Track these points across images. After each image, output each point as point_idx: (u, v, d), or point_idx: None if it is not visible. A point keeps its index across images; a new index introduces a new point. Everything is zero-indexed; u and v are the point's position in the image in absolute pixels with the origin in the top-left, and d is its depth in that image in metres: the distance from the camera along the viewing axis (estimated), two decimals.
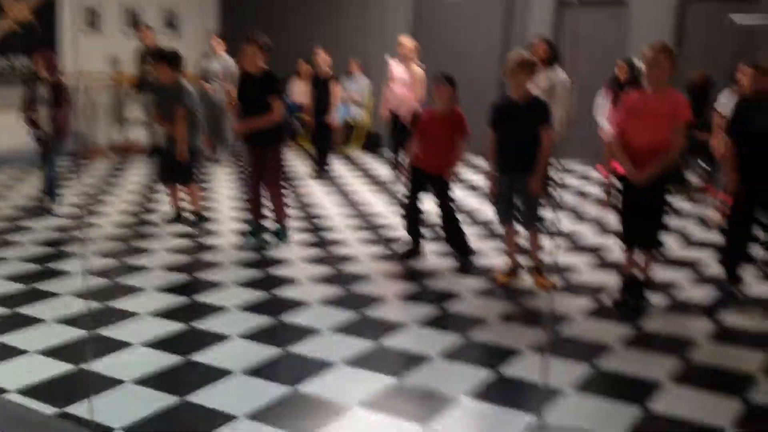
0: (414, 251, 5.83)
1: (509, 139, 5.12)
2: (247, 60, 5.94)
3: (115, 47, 11.28)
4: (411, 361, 3.97)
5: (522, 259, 5.40)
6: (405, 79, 8.39)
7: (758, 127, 4.48)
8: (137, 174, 9.28)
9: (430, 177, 5.68)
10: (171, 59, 6.49)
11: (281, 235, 6.17)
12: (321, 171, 9.15)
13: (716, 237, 6.43)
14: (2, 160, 9.32)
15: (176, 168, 6.59)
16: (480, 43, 10.57)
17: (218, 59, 9.87)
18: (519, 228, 5.28)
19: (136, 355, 4.03)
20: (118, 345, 4.13)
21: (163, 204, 7.46)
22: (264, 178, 6.06)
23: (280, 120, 5.95)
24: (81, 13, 11.03)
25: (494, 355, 4.05)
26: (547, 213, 5.51)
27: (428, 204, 5.86)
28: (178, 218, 6.80)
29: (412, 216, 5.80)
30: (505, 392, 3.64)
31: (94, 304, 4.75)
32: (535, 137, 5.05)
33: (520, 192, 5.13)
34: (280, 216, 6.16)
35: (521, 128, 5.08)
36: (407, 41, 8.47)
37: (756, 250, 5.09)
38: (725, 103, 7.28)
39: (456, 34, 10.80)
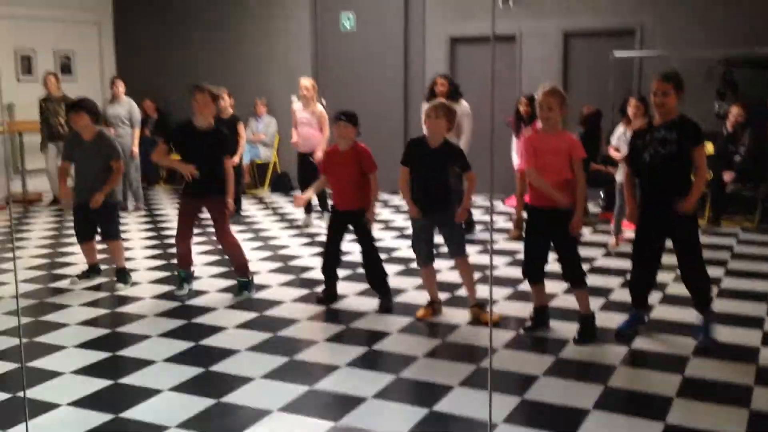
0: (330, 293, 5.87)
1: (426, 181, 5.29)
2: (199, 109, 5.78)
3: (8, 94, 10.94)
4: (346, 403, 4.05)
5: (449, 295, 5.58)
6: (309, 119, 8.53)
7: (646, 158, 4.82)
8: (41, 226, 8.98)
9: (346, 215, 5.75)
10: (90, 109, 6.13)
11: (248, 287, 6.06)
12: (236, 214, 9.10)
13: (619, 263, 6.84)
14: None
15: (99, 223, 6.30)
16: (381, 76, 10.87)
17: (121, 103, 9.74)
18: (441, 262, 5.45)
19: (63, 413, 3.93)
20: (41, 406, 4.02)
21: (75, 256, 7.28)
22: (217, 232, 6.02)
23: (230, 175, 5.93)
24: None
25: (427, 393, 4.18)
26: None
27: (350, 244, 5.96)
28: (94, 273, 6.54)
29: (330, 257, 5.87)
30: (441, 429, 3.77)
31: (10, 366, 4.60)
32: (445, 180, 5.27)
33: (444, 225, 5.33)
34: (243, 267, 6.06)
35: (437, 171, 5.25)
36: (305, 81, 8.62)
37: (660, 276, 5.44)
38: (619, 135, 7.80)
39: (357, 68, 11.06)
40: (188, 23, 12.10)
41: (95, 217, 6.26)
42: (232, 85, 11.48)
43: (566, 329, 5.12)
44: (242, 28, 11.74)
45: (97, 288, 6.28)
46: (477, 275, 6.31)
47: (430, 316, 5.43)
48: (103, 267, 6.70)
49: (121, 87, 9.82)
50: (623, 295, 5.58)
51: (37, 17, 11.41)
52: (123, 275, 6.35)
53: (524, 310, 5.48)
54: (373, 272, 5.78)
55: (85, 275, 6.49)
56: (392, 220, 9.05)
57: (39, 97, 9.88)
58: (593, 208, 9.25)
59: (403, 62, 10.84)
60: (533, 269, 5.09)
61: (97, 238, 6.44)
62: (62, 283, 6.42)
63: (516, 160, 8.08)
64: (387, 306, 5.66)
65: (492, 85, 9.83)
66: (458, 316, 5.43)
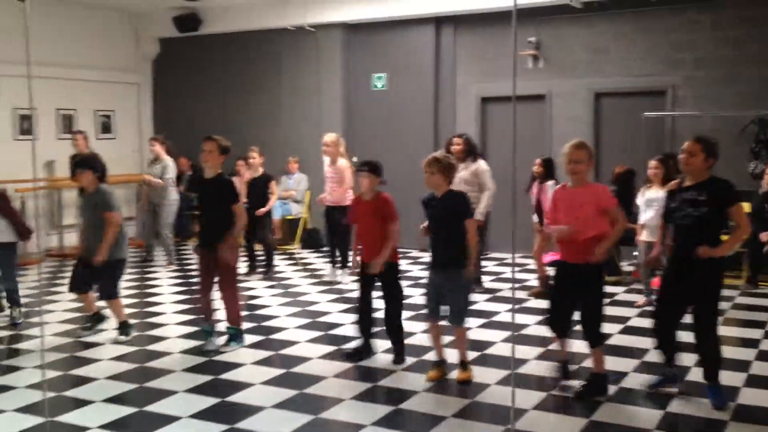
0: (364, 350, 5.84)
1: (437, 232, 5.30)
2: (204, 157, 5.95)
3: (50, 153, 11.24)
4: None
5: (478, 354, 5.51)
6: (333, 174, 8.62)
7: (677, 218, 4.80)
8: None
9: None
10: (93, 165, 6.36)
11: (237, 337, 6.13)
12: (267, 269, 9.16)
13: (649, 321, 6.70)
14: None
15: (98, 280, 6.39)
16: (411, 134, 10.96)
17: (162, 162, 9.90)
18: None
19: None
20: None
21: (106, 310, 7.37)
22: (219, 281, 6.05)
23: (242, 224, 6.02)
24: (15, 120, 11.00)
25: None
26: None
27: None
28: (96, 321, 6.58)
29: (362, 314, 5.84)
30: None
31: (36, 420, 4.61)
32: (456, 231, 5.20)
33: (450, 290, 5.24)
34: (235, 318, 6.13)
35: (447, 219, 5.24)
36: (327, 137, 8.73)
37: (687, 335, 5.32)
38: (639, 197, 7.72)
39: (388, 126, 11.18)
40: (223, 84, 12.39)
41: (96, 273, 6.32)
42: (265, 143, 11.69)
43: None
44: (276, 89, 11.99)
45: (127, 342, 6.31)
46: (506, 333, 6.25)
47: (439, 377, 5.30)
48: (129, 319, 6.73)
49: (156, 146, 10.01)
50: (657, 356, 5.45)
51: (79, 78, 11.79)
52: (125, 328, 6.42)
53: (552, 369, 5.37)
54: (393, 326, 5.73)
55: (88, 327, 6.57)
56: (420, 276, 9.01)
57: (70, 155, 10.09)
58: (627, 267, 9.13)
59: (433, 120, 10.95)
60: (562, 323, 5.05)
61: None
62: (94, 337, 6.45)
63: (535, 218, 8.06)
64: (397, 360, 5.65)
65: (514, 144, 9.83)
66: (488, 375, 5.34)
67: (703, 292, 4.70)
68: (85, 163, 6.41)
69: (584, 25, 10.05)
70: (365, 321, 5.83)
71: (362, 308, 5.82)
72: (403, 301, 5.88)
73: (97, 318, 6.62)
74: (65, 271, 9.67)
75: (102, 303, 6.55)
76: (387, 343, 6.03)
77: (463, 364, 5.30)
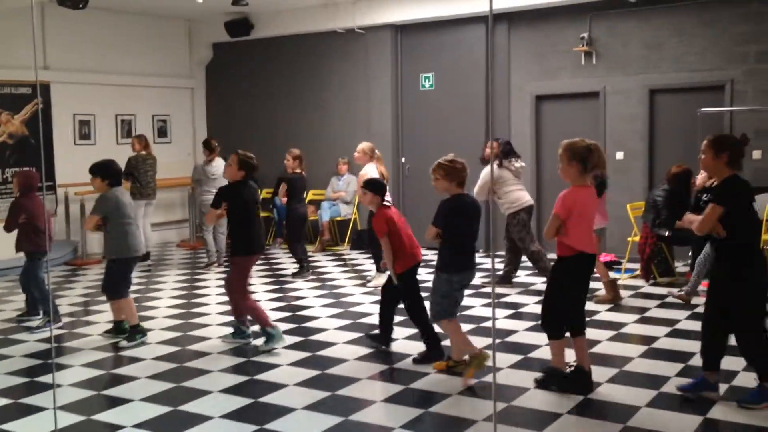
0: (380, 338, 6.04)
1: (465, 238, 5.32)
2: (226, 167, 6.40)
3: (108, 157, 11.52)
4: None
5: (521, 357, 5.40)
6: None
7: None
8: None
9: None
10: (101, 171, 6.45)
11: (267, 338, 6.15)
12: (304, 268, 9.24)
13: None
14: (8, 268, 9.36)
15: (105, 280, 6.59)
16: (462, 134, 10.83)
17: (210, 164, 10.04)
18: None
19: None
20: None
21: (156, 310, 7.53)
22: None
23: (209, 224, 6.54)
24: (74, 125, 11.36)
25: None
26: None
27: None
28: (114, 331, 6.59)
29: (384, 307, 6.04)
30: None
31: (77, 418, 4.72)
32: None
33: (437, 288, 5.36)
34: (259, 321, 6.17)
35: (472, 226, 5.35)
36: (360, 146, 8.85)
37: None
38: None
39: (438, 126, 11.09)
40: (273, 87, 12.52)
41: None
42: (314, 144, 11.82)
43: (635, 395, 4.85)
44: (325, 91, 12.04)
45: (174, 342, 6.41)
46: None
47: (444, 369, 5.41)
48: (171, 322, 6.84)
49: (212, 150, 10.11)
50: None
51: (137, 84, 12.10)
52: (131, 333, 6.41)
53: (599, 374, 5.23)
54: (419, 324, 5.85)
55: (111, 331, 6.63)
56: None
57: (130, 155, 10.31)
58: (682, 267, 8.83)
59: (485, 120, 10.80)
60: (581, 320, 5.07)
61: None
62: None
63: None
64: (434, 357, 5.68)
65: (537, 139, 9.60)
66: (526, 378, 5.22)
67: (724, 291, 4.63)
68: (93, 169, 6.51)
69: (639, 19, 9.77)
70: (384, 314, 6.04)
71: (381, 305, 6.11)
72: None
73: (137, 331, 6.52)
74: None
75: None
76: (422, 346, 5.99)
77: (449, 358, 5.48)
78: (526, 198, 8.13)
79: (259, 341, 6.19)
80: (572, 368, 5.04)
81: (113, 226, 6.41)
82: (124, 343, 6.35)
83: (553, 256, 5.53)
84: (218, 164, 9.73)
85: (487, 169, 8.03)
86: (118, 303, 6.52)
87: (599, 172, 5.36)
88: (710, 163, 4.61)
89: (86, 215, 10.02)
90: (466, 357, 5.35)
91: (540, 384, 5.05)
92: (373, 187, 6.09)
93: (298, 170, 9.29)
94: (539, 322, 5.11)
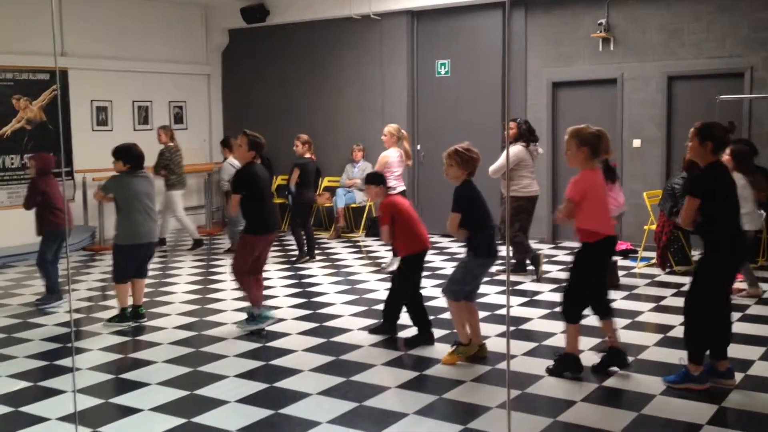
0: (384, 329, 6.09)
1: (486, 219, 5.36)
2: (235, 149, 6.32)
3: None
4: None
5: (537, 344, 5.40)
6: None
7: None
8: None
9: None
10: (118, 154, 6.54)
11: (249, 318, 6.29)
12: (309, 255, 9.32)
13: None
14: (14, 257, 9.49)
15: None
16: (478, 120, 10.80)
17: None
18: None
19: None
20: None
21: (173, 295, 7.59)
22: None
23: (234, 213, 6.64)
24: (92, 111, 11.42)
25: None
26: None
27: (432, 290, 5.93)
28: (131, 316, 6.62)
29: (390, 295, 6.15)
30: None
31: (96, 401, 4.78)
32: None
33: (463, 265, 5.41)
34: (250, 299, 6.31)
35: (488, 209, 5.41)
36: (386, 128, 8.81)
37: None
38: None
39: (454, 112, 11.06)
40: (289, 73, 12.51)
41: None
42: (330, 131, 11.83)
43: (650, 383, 4.84)
44: (340, 77, 12.02)
45: (190, 327, 6.47)
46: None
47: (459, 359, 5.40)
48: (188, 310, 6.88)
49: (225, 151, 10.19)
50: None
51: (155, 71, 12.14)
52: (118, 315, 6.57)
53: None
54: (413, 311, 5.99)
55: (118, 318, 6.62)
56: None
57: (160, 147, 10.40)
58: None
59: (501, 107, 10.75)
60: (608, 302, 5.17)
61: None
62: (155, 322, 6.65)
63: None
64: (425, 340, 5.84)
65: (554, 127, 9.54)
66: (540, 366, 5.22)
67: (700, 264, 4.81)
68: (116, 152, 6.56)
69: (658, 5, 9.67)
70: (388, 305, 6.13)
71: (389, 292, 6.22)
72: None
73: (134, 313, 6.62)
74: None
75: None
76: (442, 332, 6.00)
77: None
78: (534, 187, 8.13)
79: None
80: (604, 353, 5.12)
81: (121, 211, 6.48)
82: (109, 324, 6.50)
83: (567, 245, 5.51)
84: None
85: (513, 149, 8.02)
86: (117, 287, 6.58)
87: (606, 157, 5.41)
88: (696, 150, 4.73)
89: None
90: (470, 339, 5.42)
91: (553, 371, 5.06)
92: (372, 180, 6.18)
93: (307, 155, 9.34)
94: (555, 309, 5.13)
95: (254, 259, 6.28)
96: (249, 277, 6.27)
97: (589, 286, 5.02)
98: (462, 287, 5.35)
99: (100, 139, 10.90)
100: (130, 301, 6.61)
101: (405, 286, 5.97)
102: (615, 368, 5.06)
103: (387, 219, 5.88)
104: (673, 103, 9.78)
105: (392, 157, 8.55)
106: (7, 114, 10.41)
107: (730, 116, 9.07)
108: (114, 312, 6.75)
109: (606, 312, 5.10)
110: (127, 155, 6.52)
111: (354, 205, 11.47)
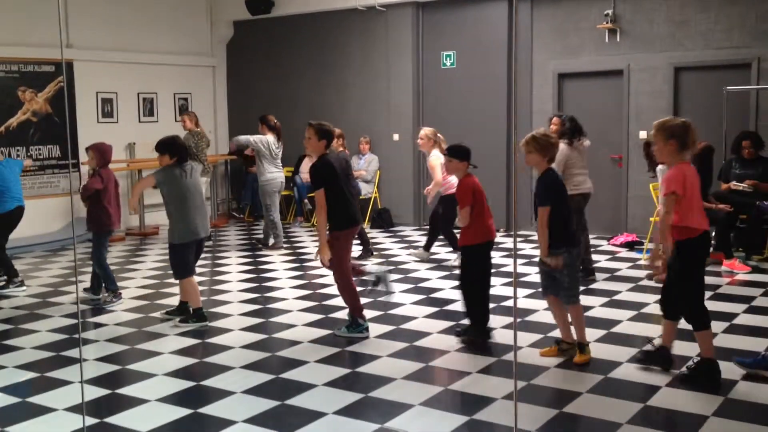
0: (473, 331, 5.65)
1: (566, 214, 5.14)
2: (305, 142, 5.84)
3: (132, 135, 11.66)
4: None
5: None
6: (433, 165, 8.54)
7: None
8: (153, 258, 9.41)
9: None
10: (161, 148, 6.32)
11: (349, 327, 5.87)
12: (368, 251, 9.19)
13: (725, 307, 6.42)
14: (22, 248, 9.51)
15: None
16: (484, 112, 10.77)
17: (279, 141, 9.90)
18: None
19: None
20: None
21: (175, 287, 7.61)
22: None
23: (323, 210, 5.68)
24: (97, 103, 11.43)
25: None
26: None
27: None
28: (179, 312, 6.48)
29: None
30: None
31: (104, 391, 4.81)
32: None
33: (567, 265, 5.08)
34: (348, 306, 5.90)
35: (535, 203, 5.16)
36: (421, 131, 8.69)
37: None
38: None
39: (459, 104, 11.03)
40: (294, 65, 12.49)
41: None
42: (335, 123, 11.67)
43: (656, 375, 4.84)
44: (346, 69, 12.00)
45: (194, 333, 6.49)
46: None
47: (555, 354, 5.23)
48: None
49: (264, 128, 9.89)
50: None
51: (160, 63, 12.14)
52: (195, 315, 6.31)
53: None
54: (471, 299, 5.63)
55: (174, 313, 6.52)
56: None
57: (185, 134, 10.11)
58: None
59: (507, 98, 10.72)
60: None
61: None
62: (155, 325, 6.67)
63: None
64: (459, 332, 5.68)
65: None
66: (546, 357, 5.23)
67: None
68: (160, 146, 6.32)
69: None
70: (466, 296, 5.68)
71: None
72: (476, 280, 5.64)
73: (195, 315, 6.39)
74: (144, 249, 10.02)
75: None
76: (446, 324, 6.01)
77: (581, 346, 5.15)
78: (587, 184, 7.66)
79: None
80: (653, 347, 5.01)
81: (170, 208, 6.26)
82: (178, 323, 6.27)
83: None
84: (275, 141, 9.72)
85: (562, 148, 7.61)
86: (181, 283, 6.42)
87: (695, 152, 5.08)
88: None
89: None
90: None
91: (642, 360, 4.98)
92: (457, 153, 5.65)
93: (340, 149, 9.30)
94: (684, 318, 4.83)
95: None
96: (353, 282, 5.86)
97: (699, 284, 4.75)
98: (579, 287, 5.21)
99: (106, 131, 10.91)
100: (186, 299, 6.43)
101: (480, 279, 5.57)
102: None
103: (469, 200, 5.44)
104: (680, 94, 9.74)
105: (443, 158, 8.44)
106: (12, 106, 10.43)
107: (737, 108, 9.08)
108: (125, 304, 6.74)
109: (702, 324, 4.75)
110: (174, 148, 6.26)
111: (360, 197, 11.44)
